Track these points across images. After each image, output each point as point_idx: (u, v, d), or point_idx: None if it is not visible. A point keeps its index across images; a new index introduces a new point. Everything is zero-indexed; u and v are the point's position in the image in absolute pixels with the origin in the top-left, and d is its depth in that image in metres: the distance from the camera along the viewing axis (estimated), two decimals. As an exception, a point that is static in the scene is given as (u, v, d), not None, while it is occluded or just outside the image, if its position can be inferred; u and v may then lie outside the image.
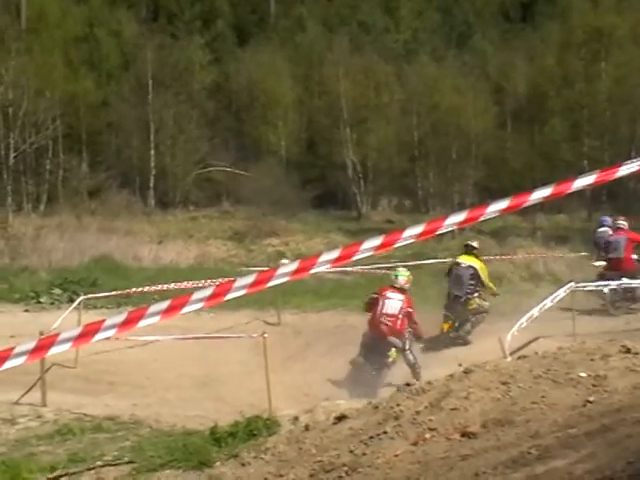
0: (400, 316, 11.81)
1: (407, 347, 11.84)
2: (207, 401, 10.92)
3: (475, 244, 14.78)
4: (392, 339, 11.68)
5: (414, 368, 11.69)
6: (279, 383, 11.27)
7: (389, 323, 11.75)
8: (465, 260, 14.35)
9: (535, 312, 12.11)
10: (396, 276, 12.36)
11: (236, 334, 13.29)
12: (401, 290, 12.08)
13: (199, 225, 34.53)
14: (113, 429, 9.31)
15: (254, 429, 7.55)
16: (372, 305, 12.06)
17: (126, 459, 7.50)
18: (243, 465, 5.71)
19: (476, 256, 14.56)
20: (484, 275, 14.35)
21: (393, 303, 11.88)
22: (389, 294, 11.98)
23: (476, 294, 14.10)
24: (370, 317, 12.00)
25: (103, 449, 8.23)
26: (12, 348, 5.45)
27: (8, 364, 5.37)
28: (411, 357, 11.83)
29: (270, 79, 38.97)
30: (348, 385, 11.39)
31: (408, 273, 12.56)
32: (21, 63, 33.51)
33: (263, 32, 43.31)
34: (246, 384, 11.53)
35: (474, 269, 14.15)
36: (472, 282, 14.06)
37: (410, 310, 11.95)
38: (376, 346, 11.64)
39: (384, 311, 11.82)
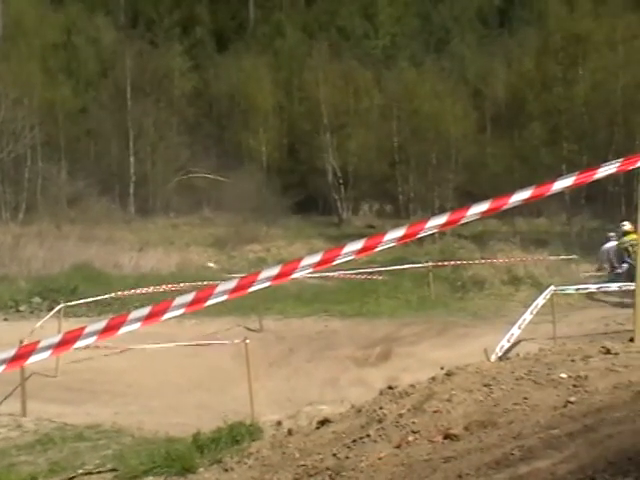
0: None
1: None
2: (190, 408, 10.89)
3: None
4: None
5: None
6: (262, 389, 11.28)
7: None
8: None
9: (515, 331, 12.14)
10: None
11: (218, 341, 13.27)
12: None
13: (180, 232, 34.37)
14: (95, 438, 9.26)
15: (237, 435, 7.55)
16: None
17: (108, 467, 7.46)
18: (226, 470, 5.69)
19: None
20: None
21: None
22: None
23: None
24: None
25: (85, 458, 8.18)
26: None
27: (-14, 373, 5.29)
28: None
29: (250, 85, 38.92)
30: None
31: None
32: (-1, 71, 33.37)
33: (242, 38, 43.26)
34: (229, 390, 11.53)
35: None
36: None
37: None
38: None
39: None
